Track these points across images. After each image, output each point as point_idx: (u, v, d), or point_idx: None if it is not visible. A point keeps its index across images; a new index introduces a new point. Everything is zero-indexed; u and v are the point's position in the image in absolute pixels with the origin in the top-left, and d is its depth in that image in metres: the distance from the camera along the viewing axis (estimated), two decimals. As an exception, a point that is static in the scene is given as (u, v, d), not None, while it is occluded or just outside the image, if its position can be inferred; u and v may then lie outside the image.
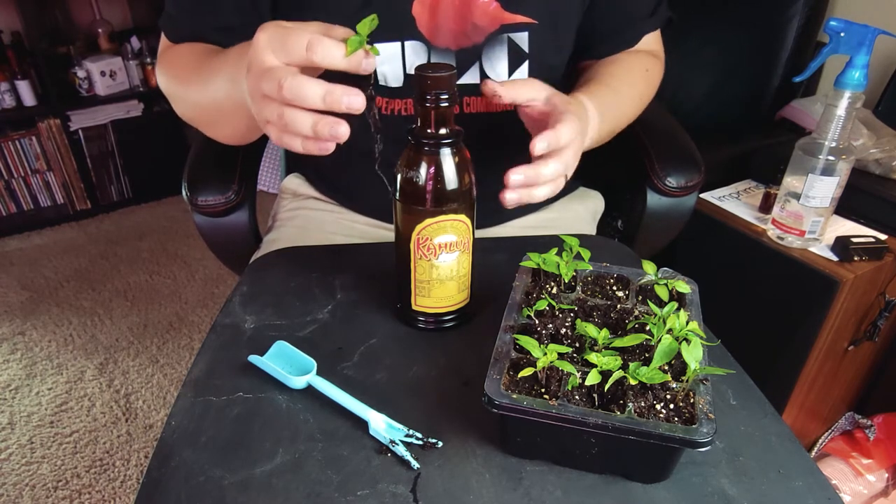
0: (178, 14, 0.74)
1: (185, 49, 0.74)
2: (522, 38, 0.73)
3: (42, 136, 2.33)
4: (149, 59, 2.47)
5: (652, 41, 0.86)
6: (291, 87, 0.48)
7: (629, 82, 0.80)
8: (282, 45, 0.49)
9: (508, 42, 0.73)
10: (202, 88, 0.66)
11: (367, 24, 0.48)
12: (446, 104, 0.53)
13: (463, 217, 0.57)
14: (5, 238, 2.39)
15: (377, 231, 0.85)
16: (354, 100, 0.48)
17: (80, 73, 2.35)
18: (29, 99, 2.28)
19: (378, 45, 0.71)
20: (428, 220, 0.56)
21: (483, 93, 0.61)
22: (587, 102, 0.69)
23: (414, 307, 0.62)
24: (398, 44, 0.71)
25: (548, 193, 0.60)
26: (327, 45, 0.48)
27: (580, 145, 0.62)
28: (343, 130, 0.49)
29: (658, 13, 0.83)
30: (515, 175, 0.57)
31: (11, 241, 2.38)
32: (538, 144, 0.57)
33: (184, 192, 0.83)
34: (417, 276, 0.59)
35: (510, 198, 0.58)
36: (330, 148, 0.51)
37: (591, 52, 0.84)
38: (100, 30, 2.44)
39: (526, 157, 0.60)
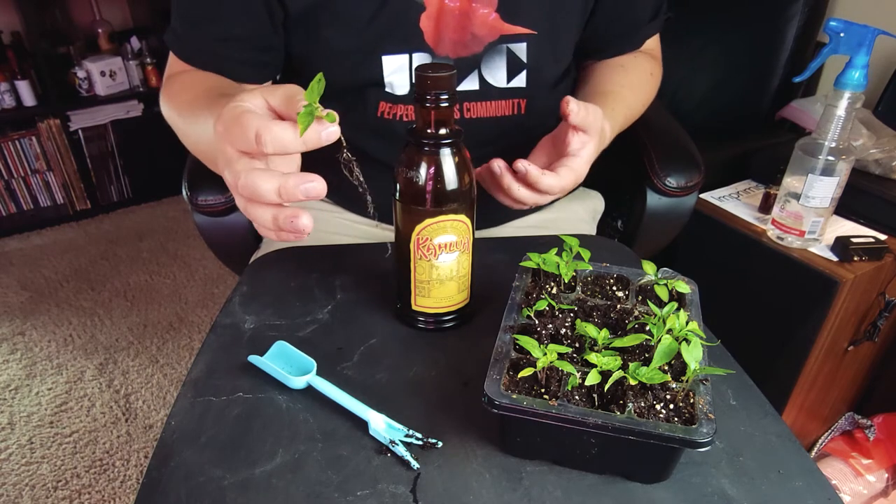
0: (185, 28, 0.72)
1: (186, 81, 0.72)
2: (521, 49, 0.74)
3: (42, 136, 2.33)
4: (149, 60, 2.47)
5: (651, 41, 0.87)
6: (246, 186, 0.45)
7: (638, 91, 0.81)
8: (232, 137, 0.46)
9: (507, 52, 0.73)
10: (197, 133, 0.64)
11: (315, 88, 0.45)
12: (446, 104, 0.53)
13: (463, 217, 0.57)
14: (5, 238, 2.39)
15: (377, 231, 0.85)
16: (311, 187, 0.45)
17: (80, 73, 2.35)
18: (29, 99, 2.28)
19: (387, 57, 0.71)
20: (428, 221, 0.56)
21: (562, 110, 0.61)
22: (606, 126, 0.71)
23: (414, 307, 0.62)
24: (406, 56, 0.71)
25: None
26: (275, 132, 0.44)
27: (586, 169, 0.66)
28: (303, 223, 0.46)
29: (659, 17, 0.84)
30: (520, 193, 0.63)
31: (11, 241, 2.38)
32: (545, 180, 0.62)
33: (184, 192, 0.83)
34: (417, 276, 0.59)
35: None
36: (303, 235, 0.48)
37: (595, 56, 0.85)
38: (100, 30, 2.44)
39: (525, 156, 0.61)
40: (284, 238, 0.49)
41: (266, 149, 0.44)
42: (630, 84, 0.81)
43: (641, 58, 0.84)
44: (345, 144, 0.49)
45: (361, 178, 0.52)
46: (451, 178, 0.55)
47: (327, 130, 0.45)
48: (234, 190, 0.48)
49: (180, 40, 0.73)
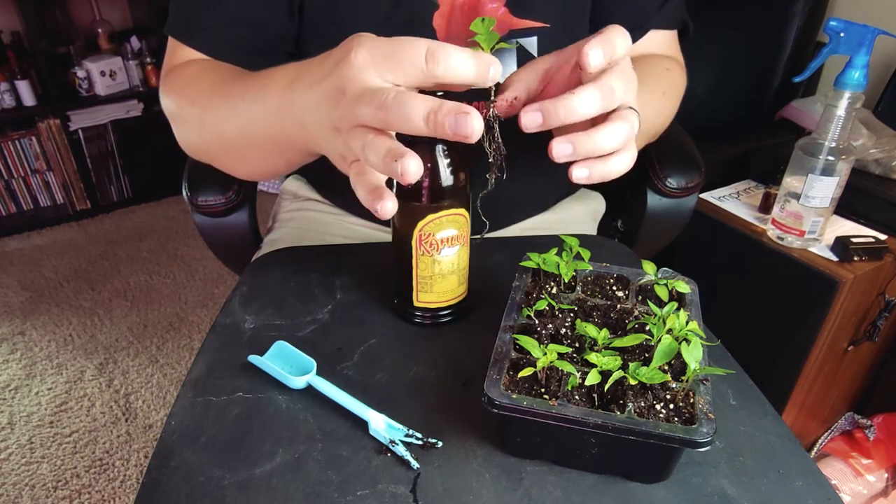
0: (194, 10, 0.67)
1: (199, 67, 0.66)
2: (531, 43, 0.72)
3: (42, 136, 2.33)
4: (149, 59, 2.47)
5: (666, 45, 0.80)
6: (397, 103, 0.38)
7: (652, 82, 0.71)
8: (391, 59, 0.40)
9: (517, 48, 0.72)
10: (228, 115, 0.57)
11: (485, 24, 0.39)
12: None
13: (462, 210, 0.57)
14: (5, 238, 2.39)
15: (378, 234, 0.85)
16: (464, 122, 0.38)
17: (80, 73, 2.35)
18: (29, 99, 2.28)
19: None
20: (430, 217, 0.56)
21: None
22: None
23: (416, 303, 0.62)
24: None
25: (624, 164, 0.47)
26: (451, 52, 0.39)
27: (634, 83, 0.48)
28: (411, 168, 0.38)
29: (667, 11, 0.77)
30: (561, 145, 0.44)
31: (11, 241, 2.38)
32: (591, 55, 0.43)
33: (184, 192, 0.83)
34: (420, 272, 0.59)
35: (578, 173, 0.46)
36: (386, 212, 0.41)
37: None
38: (100, 30, 2.44)
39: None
40: (372, 202, 0.42)
41: (437, 70, 0.39)
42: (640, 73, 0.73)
43: (657, 56, 0.78)
44: (494, 98, 0.43)
45: (501, 143, 0.47)
46: (453, 172, 0.55)
47: (496, 66, 0.40)
48: (352, 130, 0.41)
49: (188, 24, 0.68)
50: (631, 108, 0.46)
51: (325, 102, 0.44)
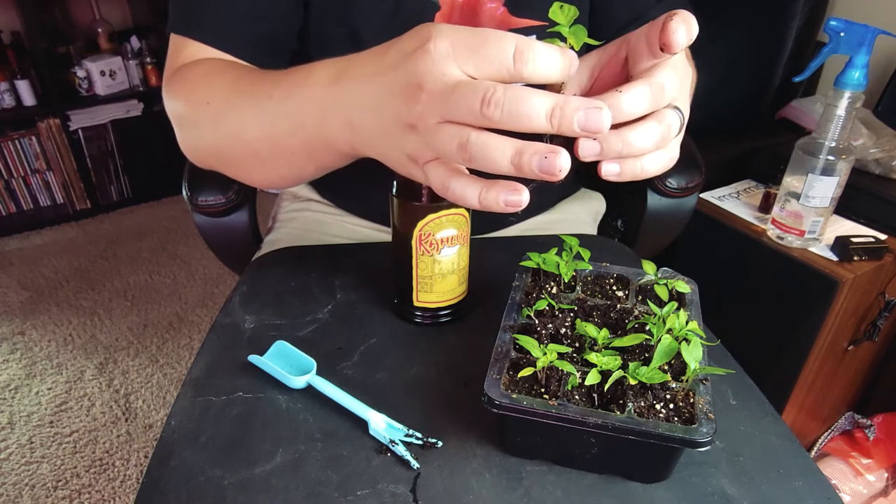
0: (202, 6, 0.64)
1: (211, 66, 0.62)
2: None
3: (42, 136, 2.33)
4: (149, 59, 2.47)
5: None
6: (512, 99, 0.34)
7: None
8: (476, 52, 0.36)
9: None
10: (253, 114, 0.53)
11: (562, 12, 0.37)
12: None
13: (462, 210, 0.57)
14: (5, 238, 2.39)
15: (378, 234, 0.85)
16: (596, 118, 0.34)
17: (80, 73, 2.35)
18: (29, 99, 2.28)
19: None
20: (430, 216, 0.56)
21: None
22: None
23: (416, 303, 0.62)
24: None
25: (659, 165, 0.43)
26: (539, 50, 0.35)
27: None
28: (564, 163, 0.35)
29: (668, 2, 0.75)
30: (589, 142, 0.39)
31: (11, 241, 2.38)
32: (679, 32, 0.37)
33: (184, 192, 0.83)
34: (420, 272, 0.59)
35: (608, 169, 0.41)
36: (522, 202, 0.37)
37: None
38: (99, 29, 2.44)
39: None
40: (490, 200, 0.38)
41: (526, 69, 0.36)
42: None
43: None
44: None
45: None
46: None
47: (576, 63, 0.37)
48: (437, 126, 0.37)
49: (191, 16, 0.64)
50: (676, 107, 0.42)
51: (392, 97, 0.40)
